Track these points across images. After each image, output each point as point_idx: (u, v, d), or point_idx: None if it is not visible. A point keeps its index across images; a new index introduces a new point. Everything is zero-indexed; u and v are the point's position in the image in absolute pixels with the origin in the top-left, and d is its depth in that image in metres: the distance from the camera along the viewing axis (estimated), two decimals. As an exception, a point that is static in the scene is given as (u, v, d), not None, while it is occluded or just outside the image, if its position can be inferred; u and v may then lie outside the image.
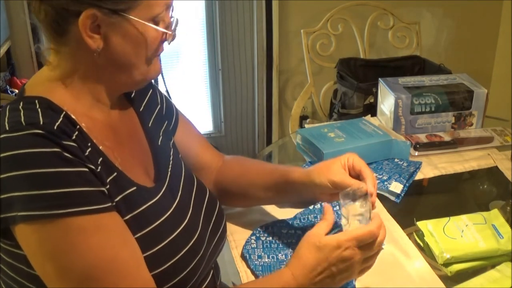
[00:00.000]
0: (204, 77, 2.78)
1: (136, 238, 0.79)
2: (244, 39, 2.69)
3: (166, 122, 1.03)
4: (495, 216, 1.13)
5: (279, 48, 2.63)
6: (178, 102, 2.55)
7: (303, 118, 2.64)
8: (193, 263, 0.86)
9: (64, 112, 0.77)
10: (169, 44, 0.85)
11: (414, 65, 2.20)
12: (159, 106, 1.02)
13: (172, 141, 1.01)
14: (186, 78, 2.75)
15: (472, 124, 1.57)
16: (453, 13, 2.81)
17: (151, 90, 1.01)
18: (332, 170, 0.97)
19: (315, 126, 1.49)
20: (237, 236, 1.11)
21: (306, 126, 1.54)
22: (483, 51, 2.96)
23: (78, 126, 0.78)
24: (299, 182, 1.01)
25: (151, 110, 0.99)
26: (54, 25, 0.77)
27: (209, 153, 1.13)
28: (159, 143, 0.96)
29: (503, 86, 2.84)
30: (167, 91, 2.32)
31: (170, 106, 1.06)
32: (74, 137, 0.75)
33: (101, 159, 0.78)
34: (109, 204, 0.75)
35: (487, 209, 1.19)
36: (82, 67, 0.81)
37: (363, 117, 1.54)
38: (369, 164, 1.36)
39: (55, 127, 0.74)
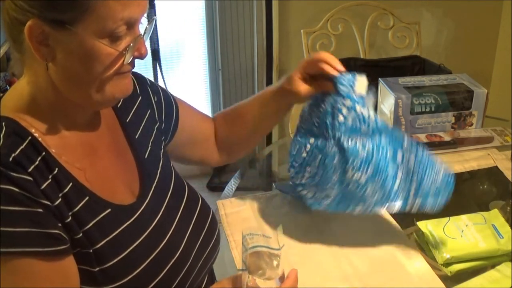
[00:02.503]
0: (204, 77, 2.78)
1: (113, 264, 0.78)
2: (244, 39, 2.68)
3: (163, 124, 1.00)
4: (495, 216, 1.13)
5: (279, 48, 2.63)
6: (178, 102, 2.57)
7: (303, 118, 2.64)
8: (179, 279, 0.85)
9: (30, 137, 0.74)
10: (125, 63, 0.76)
11: (414, 65, 2.20)
12: (149, 111, 0.97)
13: (162, 150, 0.98)
14: (186, 78, 2.75)
15: (472, 124, 1.57)
16: (453, 13, 2.80)
17: (140, 97, 0.96)
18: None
19: (315, 126, 1.48)
20: (237, 236, 1.10)
21: (306, 126, 1.54)
22: (483, 51, 2.96)
23: (44, 153, 0.75)
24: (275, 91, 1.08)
25: (140, 119, 0.95)
26: (11, 32, 0.75)
27: (208, 123, 1.14)
28: (146, 156, 0.92)
29: (503, 86, 2.84)
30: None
31: (169, 104, 1.02)
32: (31, 169, 0.72)
33: (70, 184, 0.76)
34: (55, 248, 0.72)
35: (487, 209, 1.19)
36: (41, 81, 0.77)
37: (363, 117, 1.54)
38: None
39: (11, 159, 0.70)
